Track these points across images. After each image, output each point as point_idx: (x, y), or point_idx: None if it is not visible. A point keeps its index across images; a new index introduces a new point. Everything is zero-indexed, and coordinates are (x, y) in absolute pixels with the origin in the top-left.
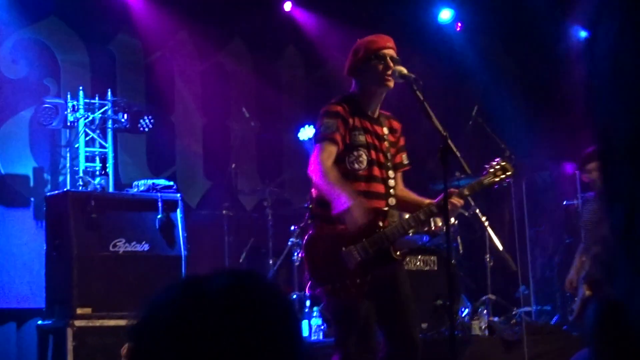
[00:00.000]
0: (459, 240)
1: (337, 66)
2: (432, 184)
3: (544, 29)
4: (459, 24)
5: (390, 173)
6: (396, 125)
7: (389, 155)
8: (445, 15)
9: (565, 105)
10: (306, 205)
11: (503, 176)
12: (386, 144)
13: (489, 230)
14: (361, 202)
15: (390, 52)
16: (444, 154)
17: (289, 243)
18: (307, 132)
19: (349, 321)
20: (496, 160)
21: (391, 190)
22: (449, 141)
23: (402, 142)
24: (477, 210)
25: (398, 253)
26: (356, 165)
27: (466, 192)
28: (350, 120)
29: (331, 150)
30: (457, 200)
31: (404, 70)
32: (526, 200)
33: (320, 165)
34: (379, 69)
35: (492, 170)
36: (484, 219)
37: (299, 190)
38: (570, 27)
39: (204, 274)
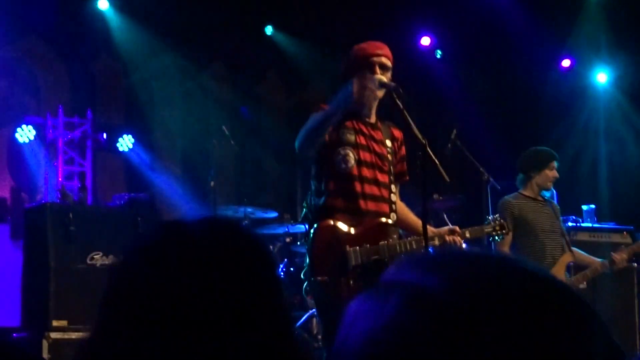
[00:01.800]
0: None
1: (318, 89)
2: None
3: (521, 55)
4: (439, 51)
5: (392, 186)
6: (397, 133)
7: (388, 162)
8: (425, 42)
9: (541, 130)
10: (304, 211)
11: (500, 232)
12: (386, 149)
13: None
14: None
15: (381, 59)
16: (422, 161)
17: None
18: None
19: (334, 318)
20: (498, 216)
21: (393, 206)
22: (428, 148)
23: (403, 151)
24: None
25: None
26: (343, 165)
27: (468, 234)
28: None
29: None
30: (458, 240)
31: (384, 79)
32: None
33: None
34: (368, 77)
35: (492, 223)
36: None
37: (278, 210)
38: (547, 54)
39: (185, 219)
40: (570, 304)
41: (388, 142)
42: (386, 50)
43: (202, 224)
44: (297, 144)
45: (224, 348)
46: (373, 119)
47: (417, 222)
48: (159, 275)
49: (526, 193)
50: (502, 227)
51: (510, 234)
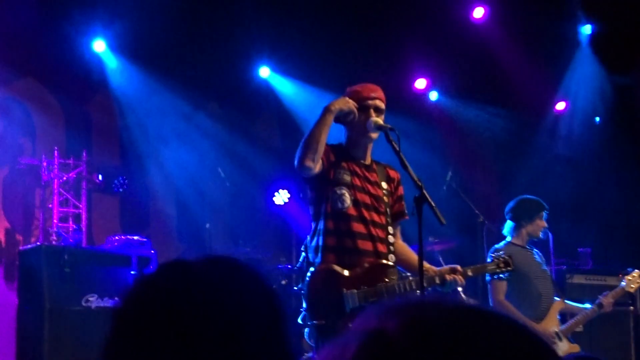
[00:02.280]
0: None
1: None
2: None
3: (516, 98)
4: (435, 93)
5: (389, 227)
6: (393, 174)
7: (384, 203)
8: (421, 84)
9: (536, 173)
10: (303, 255)
11: (504, 269)
12: (381, 191)
13: (462, 294)
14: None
15: (376, 102)
16: (419, 203)
17: None
18: (281, 197)
19: None
20: (502, 253)
21: (390, 247)
22: (424, 191)
23: (400, 191)
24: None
25: None
26: (339, 204)
27: (470, 273)
28: (333, 157)
29: None
30: (459, 279)
31: (380, 121)
32: None
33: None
34: (362, 120)
35: (496, 260)
36: (460, 289)
37: (272, 252)
38: (542, 97)
39: (189, 259)
40: (527, 347)
41: (384, 184)
42: (380, 92)
43: (206, 263)
44: (296, 155)
45: None
46: (368, 161)
47: (416, 260)
48: (165, 316)
49: (516, 241)
50: (506, 264)
51: (505, 282)
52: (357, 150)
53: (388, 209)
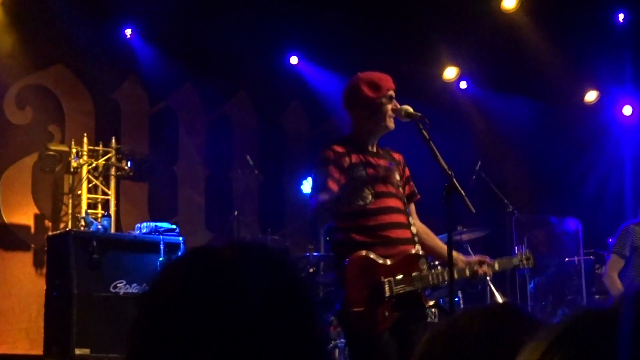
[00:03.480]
0: (459, 294)
1: (341, 120)
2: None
3: (546, 87)
4: (464, 82)
5: (407, 210)
6: (397, 156)
7: (399, 187)
8: (451, 73)
9: (565, 163)
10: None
11: (527, 264)
12: (394, 176)
13: (491, 284)
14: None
15: (393, 92)
16: (448, 192)
17: None
18: (310, 185)
19: (366, 349)
20: (524, 250)
21: (413, 231)
22: (454, 180)
23: (407, 172)
24: None
25: (430, 304)
26: (361, 202)
27: (497, 267)
28: (346, 160)
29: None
30: (487, 271)
31: (410, 109)
32: None
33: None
34: (388, 109)
35: (520, 256)
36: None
37: (300, 240)
38: (572, 87)
39: (214, 245)
40: None
41: (391, 166)
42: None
43: (233, 249)
44: (310, 219)
45: None
46: (375, 149)
47: (443, 248)
48: (191, 302)
49: None
50: (528, 259)
51: (623, 261)
52: (370, 138)
53: (402, 191)
